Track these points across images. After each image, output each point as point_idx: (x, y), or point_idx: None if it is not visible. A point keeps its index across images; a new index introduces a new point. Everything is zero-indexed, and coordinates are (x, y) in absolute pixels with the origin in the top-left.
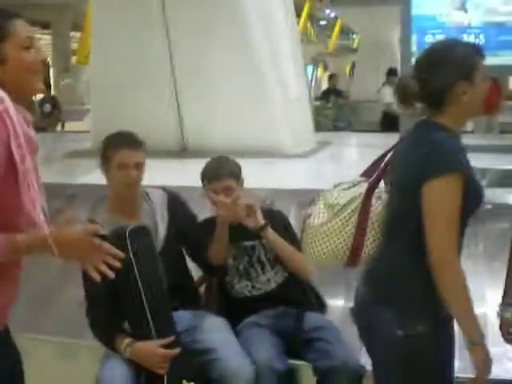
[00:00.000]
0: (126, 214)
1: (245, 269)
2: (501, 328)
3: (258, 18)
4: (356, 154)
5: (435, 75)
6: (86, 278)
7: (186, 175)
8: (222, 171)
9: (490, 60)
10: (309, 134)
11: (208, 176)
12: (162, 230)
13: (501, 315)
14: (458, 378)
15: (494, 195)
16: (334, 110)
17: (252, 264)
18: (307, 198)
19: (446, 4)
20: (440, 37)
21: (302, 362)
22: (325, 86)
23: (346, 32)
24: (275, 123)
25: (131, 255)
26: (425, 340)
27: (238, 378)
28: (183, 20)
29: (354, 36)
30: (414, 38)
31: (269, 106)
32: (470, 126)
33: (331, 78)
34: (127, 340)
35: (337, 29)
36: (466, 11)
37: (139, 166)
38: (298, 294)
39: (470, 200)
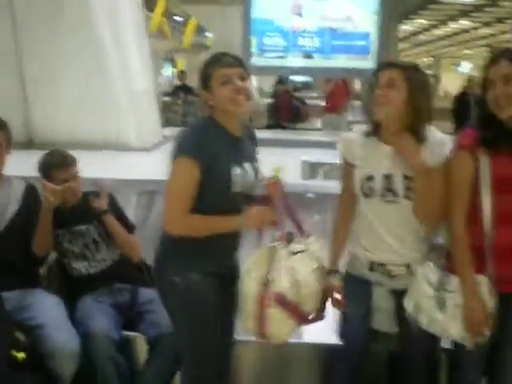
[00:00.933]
0: None
1: (80, 251)
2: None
3: (104, 12)
4: None
5: None
6: None
7: (31, 167)
8: (67, 161)
9: (324, 63)
10: (155, 127)
11: (55, 165)
12: (9, 212)
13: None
14: None
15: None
16: (183, 106)
17: (87, 245)
18: (149, 187)
19: (283, 9)
20: (278, 39)
21: (136, 333)
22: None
23: (200, 29)
24: (120, 117)
25: None
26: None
27: (63, 351)
28: (30, 10)
29: (208, 33)
30: (253, 40)
31: (113, 100)
32: (319, 123)
33: (181, 74)
34: None
35: (191, 26)
36: (301, 16)
37: None
38: (132, 271)
39: (210, 182)
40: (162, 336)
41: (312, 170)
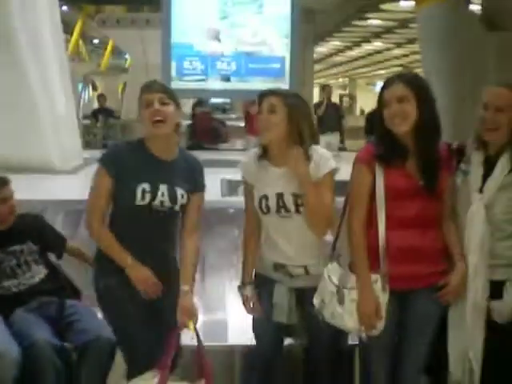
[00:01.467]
0: None
1: (12, 269)
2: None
3: (27, 36)
4: None
5: None
6: None
7: None
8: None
9: (241, 85)
10: (77, 150)
11: None
12: None
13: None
14: None
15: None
16: (102, 129)
17: (19, 265)
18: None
19: (201, 34)
20: (197, 63)
21: (66, 343)
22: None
23: (118, 52)
24: (44, 140)
25: None
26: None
27: (4, 358)
28: None
29: (127, 56)
30: (173, 65)
31: (37, 124)
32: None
33: (100, 97)
34: None
35: (109, 48)
36: (219, 41)
37: None
38: (58, 286)
39: (118, 192)
40: (88, 342)
41: (231, 187)
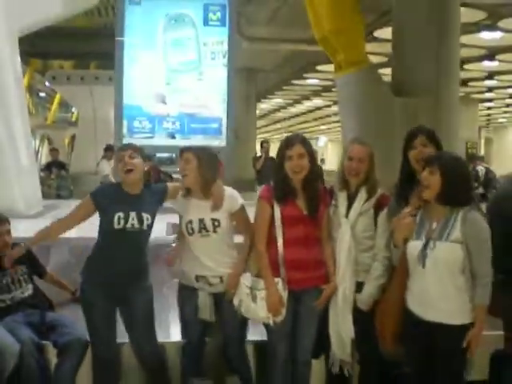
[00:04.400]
0: None
1: (7, 286)
2: None
3: None
4: None
5: None
6: None
7: None
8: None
9: (185, 142)
10: (38, 198)
11: None
12: None
13: None
14: None
15: None
16: (56, 181)
17: (14, 283)
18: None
19: (149, 97)
20: (145, 123)
21: (47, 342)
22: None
23: (65, 105)
24: (10, 188)
25: None
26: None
27: (6, 352)
28: None
29: (74, 109)
30: (124, 123)
31: (4, 174)
32: None
33: (52, 151)
34: None
35: (56, 102)
36: (165, 103)
37: None
38: (40, 300)
39: (101, 218)
40: (71, 341)
41: (173, 228)
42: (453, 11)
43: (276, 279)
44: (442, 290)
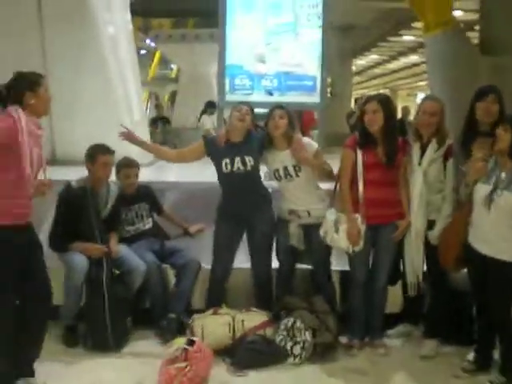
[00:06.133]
0: None
1: (132, 219)
2: None
3: (114, 57)
4: (182, 164)
5: None
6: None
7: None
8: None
9: (282, 98)
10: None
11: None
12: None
13: None
14: None
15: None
16: (161, 135)
17: (137, 216)
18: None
19: (250, 57)
20: (246, 81)
21: (167, 265)
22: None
23: (164, 62)
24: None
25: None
26: None
27: (137, 271)
28: (59, 52)
29: (173, 66)
30: (227, 81)
31: (121, 128)
32: None
33: (157, 106)
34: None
35: (156, 59)
36: (264, 63)
37: None
38: (162, 231)
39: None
40: (188, 262)
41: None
42: None
43: (356, 215)
44: (500, 231)
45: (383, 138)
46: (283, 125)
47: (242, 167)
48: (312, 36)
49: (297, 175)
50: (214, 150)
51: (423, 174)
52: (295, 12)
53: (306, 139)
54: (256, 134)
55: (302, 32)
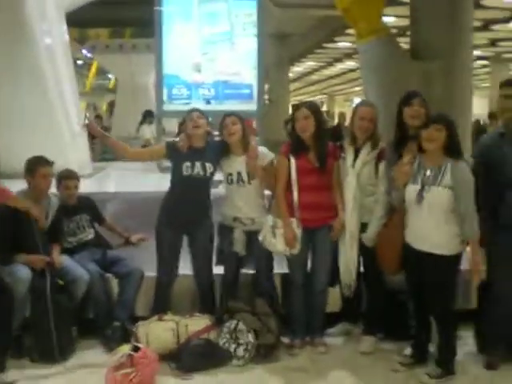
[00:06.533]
0: None
1: (73, 231)
2: None
3: (51, 68)
4: (121, 175)
5: None
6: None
7: None
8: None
9: (219, 107)
10: (88, 160)
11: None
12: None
13: None
14: None
15: None
16: (100, 145)
17: (79, 227)
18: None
19: (187, 67)
20: (183, 90)
21: (109, 274)
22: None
23: (102, 72)
24: (66, 152)
25: None
26: None
27: (80, 280)
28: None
29: (111, 76)
30: (164, 91)
31: (60, 139)
32: None
33: (97, 117)
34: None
35: (94, 69)
36: (200, 72)
37: None
38: (103, 240)
39: None
40: (131, 271)
41: None
42: None
43: (291, 219)
44: (435, 225)
45: (314, 144)
46: (237, 130)
47: (201, 172)
48: (248, 45)
49: (249, 182)
50: (175, 153)
51: (356, 176)
52: (231, 21)
53: (262, 148)
54: (215, 141)
55: (238, 41)
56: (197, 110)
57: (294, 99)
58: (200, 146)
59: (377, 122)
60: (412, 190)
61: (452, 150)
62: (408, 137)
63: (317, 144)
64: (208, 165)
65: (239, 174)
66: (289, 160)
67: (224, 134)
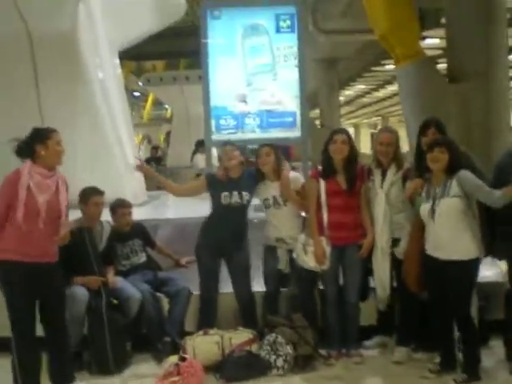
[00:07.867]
0: None
1: (127, 254)
2: None
3: (105, 104)
4: (174, 203)
5: None
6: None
7: None
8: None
9: (264, 135)
10: (143, 190)
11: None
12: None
13: None
14: None
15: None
16: None
17: (132, 252)
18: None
19: (233, 98)
20: (230, 120)
21: (160, 294)
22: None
23: (158, 103)
24: (120, 183)
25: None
26: None
27: (132, 299)
28: (53, 100)
29: (167, 106)
30: (212, 122)
31: (116, 171)
32: None
33: (154, 149)
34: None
35: (150, 100)
36: (246, 103)
37: None
38: (154, 263)
39: None
40: (179, 290)
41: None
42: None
43: (321, 237)
44: (449, 233)
45: (344, 167)
46: (270, 161)
47: (238, 200)
48: (289, 75)
49: (284, 204)
50: (214, 184)
51: (385, 195)
52: (273, 53)
53: (294, 174)
54: (249, 170)
55: (279, 72)
56: (229, 143)
57: (348, 122)
58: (236, 176)
59: (398, 145)
60: (426, 207)
61: (454, 167)
62: (427, 168)
63: (347, 167)
64: (244, 193)
65: (274, 198)
66: (318, 183)
67: (258, 163)
